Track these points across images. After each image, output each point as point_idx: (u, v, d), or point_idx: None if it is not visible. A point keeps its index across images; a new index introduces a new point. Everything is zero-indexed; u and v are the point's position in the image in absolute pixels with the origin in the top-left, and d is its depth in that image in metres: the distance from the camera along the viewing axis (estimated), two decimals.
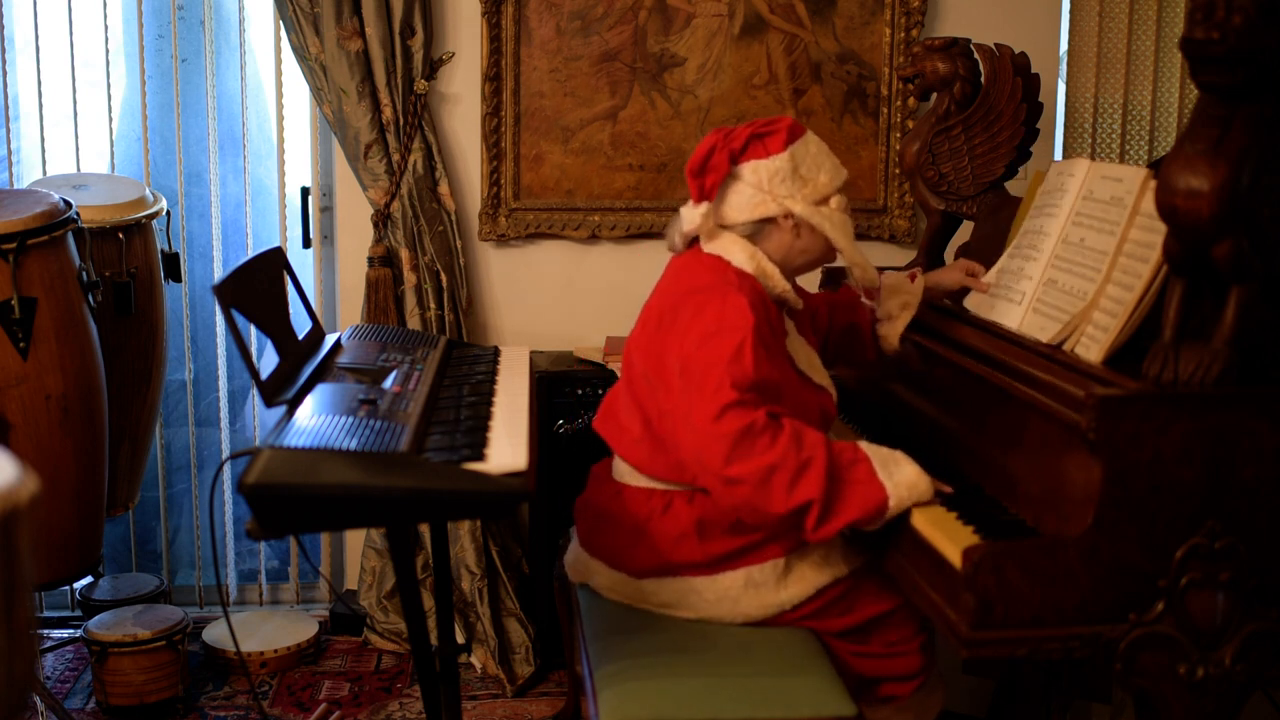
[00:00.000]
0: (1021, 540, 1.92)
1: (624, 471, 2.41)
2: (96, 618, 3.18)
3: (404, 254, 3.45)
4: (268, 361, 2.15)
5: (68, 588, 3.61)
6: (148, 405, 3.24)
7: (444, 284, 3.46)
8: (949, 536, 1.98)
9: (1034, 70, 2.86)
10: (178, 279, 3.40)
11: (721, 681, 2.13)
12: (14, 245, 2.64)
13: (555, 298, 3.66)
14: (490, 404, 2.20)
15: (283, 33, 3.46)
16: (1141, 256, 2.08)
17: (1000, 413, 2.21)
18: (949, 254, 3.00)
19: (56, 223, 2.73)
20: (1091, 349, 2.09)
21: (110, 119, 3.62)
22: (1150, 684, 1.90)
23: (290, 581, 3.85)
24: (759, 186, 2.31)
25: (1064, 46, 3.70)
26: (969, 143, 2.90)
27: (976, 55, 2.89)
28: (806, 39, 3.56)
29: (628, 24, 3.51)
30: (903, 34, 3.56)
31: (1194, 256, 1.88)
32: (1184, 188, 1.83)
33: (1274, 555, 1.89)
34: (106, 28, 3.56)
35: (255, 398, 3.75)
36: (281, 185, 3.67)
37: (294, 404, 2.02)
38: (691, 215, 2.34)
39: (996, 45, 2.87)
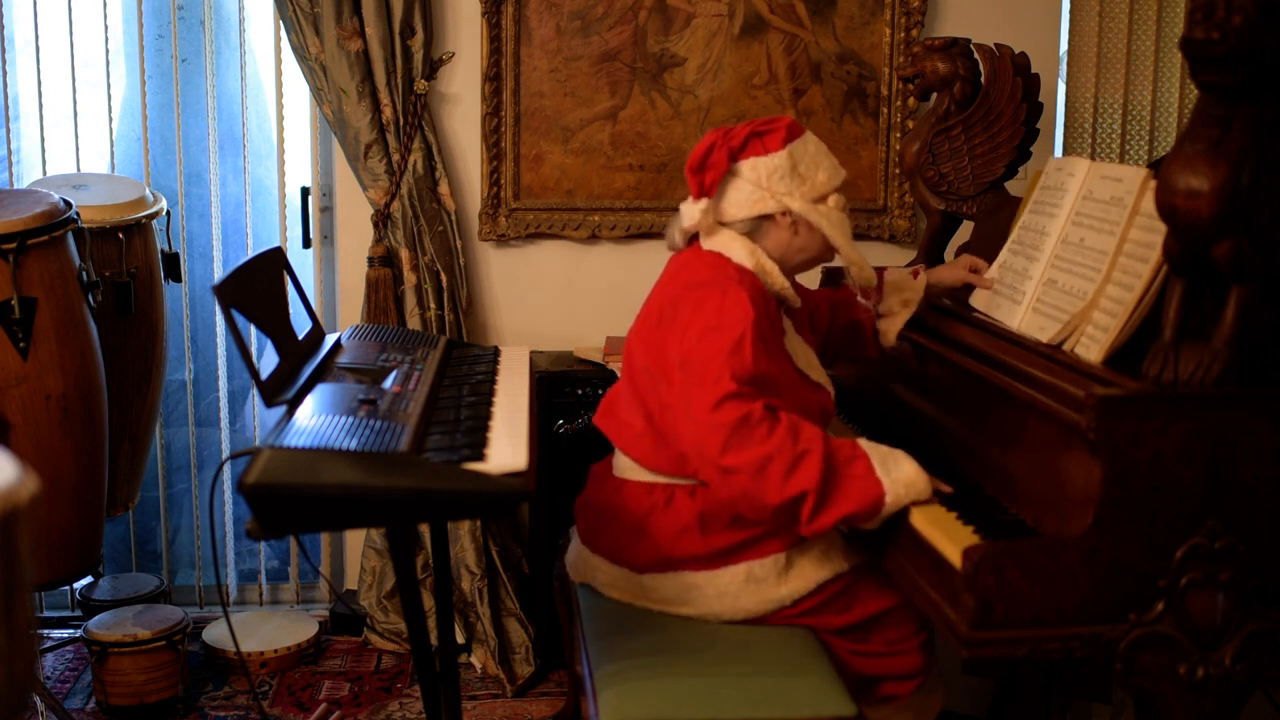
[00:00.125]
0: (1021, 540, 1.92)
1: (625, 467, 2.42)
2: (96, 618, 3.18)
3: (404, 254, 3.45)
4: (268, 361, 2.15)
5: (68, 588, 3.61)
6: (148, 405, 3.24)
7: (444, 284, 3.46)
8: (949, 536, 1.98)
9: (1034, 70, 2.86)
10: (178, 279, 3.40)
11: (721, 681, 2.13)
12: (14, 245, 2.64)
13: (555, 298, 3.66)
14: (490, 404, 2.20)
15: (283, 33, 3.46)
16: (1141, 256, 2.08)
17: (1000, 413, 2.21)
18: (949, 254, 3.00)
19: (56, 223, 2.73)
20: (1091, 349, 2.09)
21: (110, 119, 3.62)
22: (1150, 684, 1.90)
23: (290, 581, 3.85)
24: (757, 183, 2.32)
25: (1064, 46, 3.70)
26: (969, 143, 2.90)
27: (976, 55, 2.89)
28: (806, 39, 3.56)
29: (628, 24, 3.51)
30: (903, 34, 3.56)
31: (1194, 256, 1.88)
32: (1184, 188, 1.83)
33: (1274, 555, 1.90)
34: (106, 28, 3.56)
35: (255, 398, 3.75)
36: (281, 185, 3.67)
37: (294, 404, 2.02)
38: (691, 211, 2.36)
39: (996, 45, 2.87)
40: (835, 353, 2.70)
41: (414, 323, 3.46)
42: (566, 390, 3.28)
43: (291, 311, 2.38)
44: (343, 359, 2.35)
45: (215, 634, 3.42)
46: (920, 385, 2.60)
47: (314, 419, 1.92)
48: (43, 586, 3.05)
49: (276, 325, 2.25)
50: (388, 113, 3.39)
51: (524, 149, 3.55)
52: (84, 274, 2.82)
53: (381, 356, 2.39)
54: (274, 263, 2.40)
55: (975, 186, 2.91)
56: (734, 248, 2.34)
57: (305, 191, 3.64)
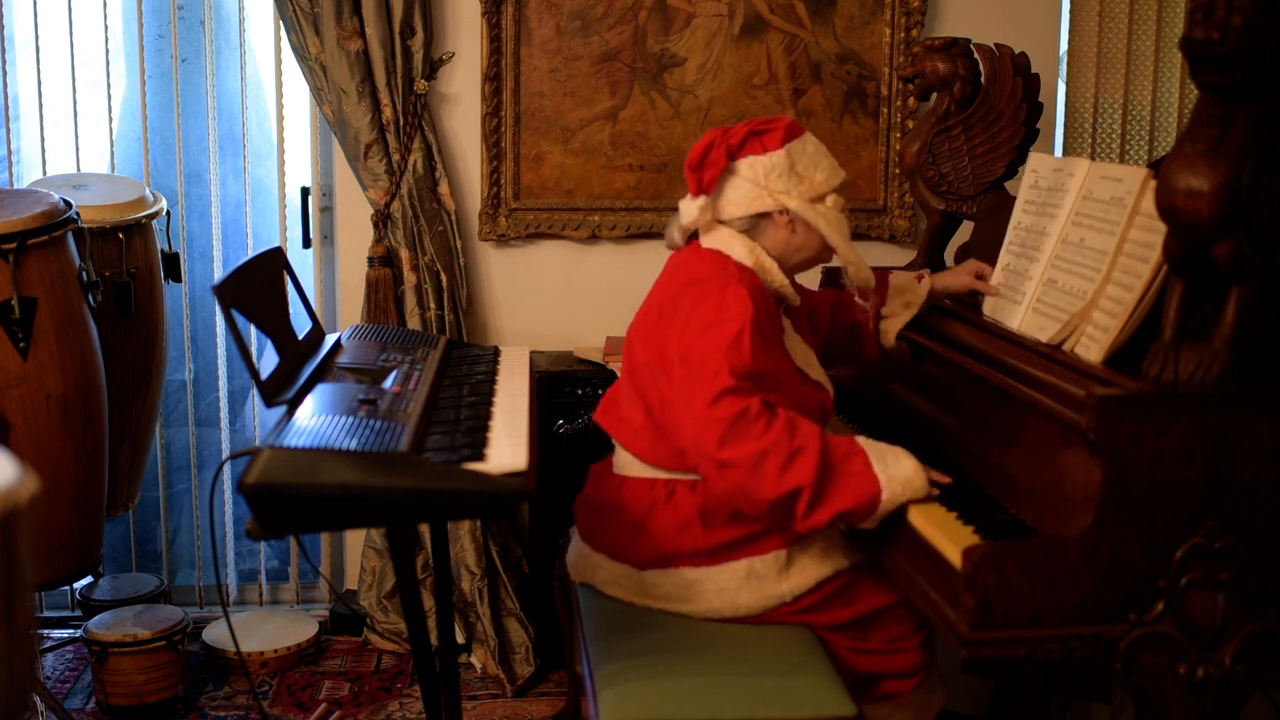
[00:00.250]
0: (1021, 540, 1.92)
1: (626, 463, 2.42)
2: (96, 618, 3.18)
3: (404, 254, 3.45)
4: (268, 361, 2.15)
5: (68, 588, 3.61)
6: (148, 405, 3.24)
7: (444, 284, 3.46)
8: (949, 536, 1.98)
9: (1034, 70, 2.86)
10: (178, 279, 3.40)
11: (721, 681, 2.14)
12: (14, 245, 2.64)
13: (555, 298, 3.66)
14: (490, 404, 2.20)
15: (283, 33, 3.46)
16: (1141, 256, 2.08)
17: (1000, 413, 2.21)
18: (949, 254, 3.01)
19: (56, 223, 2.73)
20: (1091, 349, 2.09)
21: (110, 119, 3.62)
22: (1150, 684, 1.90)
23: (290, 581, 3.85)
24: (756, 182, 2.33)
25: (1064, 46, 3.70)
26: (969, 143, 2.90)
27: (976, 55, 2.89)
28: (806, 39, 3.56)
29: (628, 24, 3.51)
30: (903, 34, 3.56)
31: (1194, 256, 1.88)
32: (1184, 188, 1.83)
33: (1274, 555, 1.90)
34: (106, 28, 3.56)
35: (255, 398, 3.75)
36: (281, 185, 3.67)
37: (294, 404, 2.02)
38: (689, 208, 2.37)
39: (996, 45, 2.87)
40: (836, 354, 2.70)
41: (414, 323, 3.46)
42: (566, 390, 3.28)
43: (291, 311, 2.38)
44: (343, 359, 2.35)
45: (215, 634, 3.42)
46: (920, 385, 2.60)
47: (314, 419, 1.92)
48: (43, 586, 3.05)
49: (276, 325, 2.25)
50: (388, 113, 3.39)
51: (524, 149, 3.55)
52: (84, 274, 2.82)
53: (381, 356, 2.40)
54: (274, 263, 2.40)
55: (975, 186, 2.91)
56: (733, 245, 2.35)
57: (305, 191, 3.64)
